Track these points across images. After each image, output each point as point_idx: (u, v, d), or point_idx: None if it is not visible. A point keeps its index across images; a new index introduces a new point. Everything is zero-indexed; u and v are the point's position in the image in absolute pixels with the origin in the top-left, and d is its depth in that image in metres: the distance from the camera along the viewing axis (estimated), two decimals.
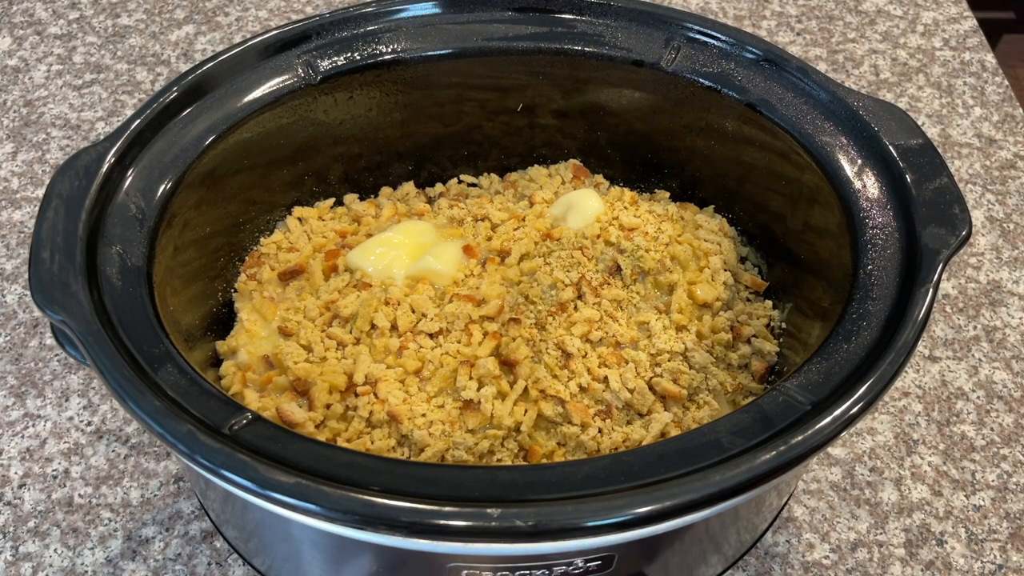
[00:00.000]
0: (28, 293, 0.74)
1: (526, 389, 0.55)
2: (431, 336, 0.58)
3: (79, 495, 0.62)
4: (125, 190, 0.53)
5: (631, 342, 0.58)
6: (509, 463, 0.53)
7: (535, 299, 0.60)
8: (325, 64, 0.62)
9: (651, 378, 0.57)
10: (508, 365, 0.56)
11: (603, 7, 0.64)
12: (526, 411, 0.55)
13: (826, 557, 0.60)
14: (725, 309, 0.62)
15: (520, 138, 0.70)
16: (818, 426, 0.42)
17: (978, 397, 0.69)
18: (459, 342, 0.58)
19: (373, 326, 0.59)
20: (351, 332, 0.59)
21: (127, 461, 0.64)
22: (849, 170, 0.55)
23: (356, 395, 0.55)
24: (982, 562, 0.60)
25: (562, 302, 0.59)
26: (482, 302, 0.59)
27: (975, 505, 0.63)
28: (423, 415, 0.54)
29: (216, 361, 0.59)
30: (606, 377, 0.56)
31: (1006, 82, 0.95)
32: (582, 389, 0.56)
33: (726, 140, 0.63)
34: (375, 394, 0.55)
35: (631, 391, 0.55)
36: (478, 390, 0.55)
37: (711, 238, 0.65)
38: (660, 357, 0.58)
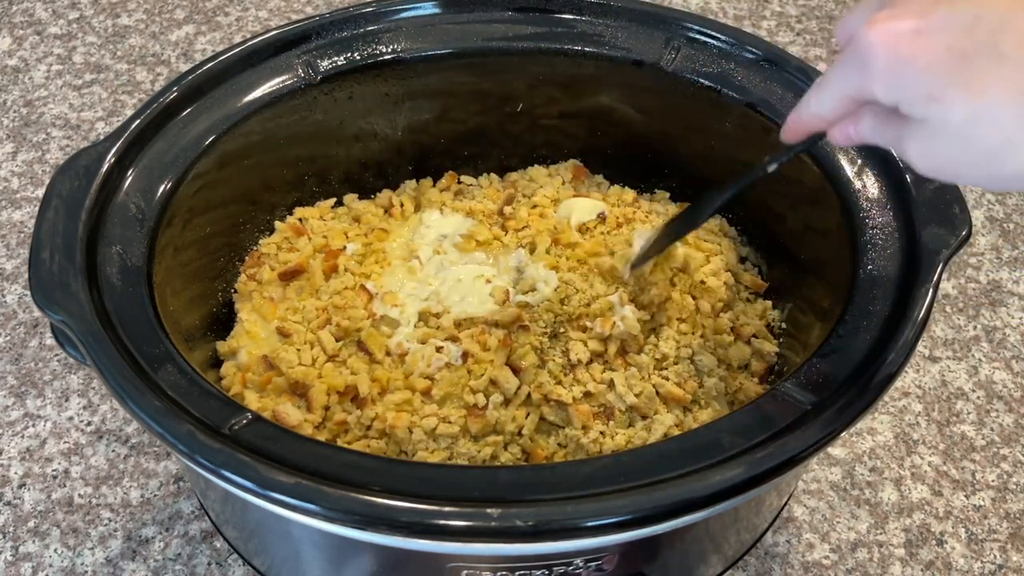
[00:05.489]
0: (28, 293, 0.74)
1: (529, 395, 0.55)
2: (438, 350, 0.58)
3: (79, 495, 0.62)
4: (125, 190, 0.53)
5: (634, 345, 0.58)
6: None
7: (550, 307, 0.59)
8: (325, 64, 0.62)
9: (655, 381, 0.56)
10: (513, 371, 0.56)
11: (603, 7, 0.64)
12: (528, 414, 0.55)
13: (826, 557, 0.60)
14: (725, 309, 0.62)
15: (520, 138, 0.70)
16: (818, 426, 0.42)
17: (978, 397, 0.69)
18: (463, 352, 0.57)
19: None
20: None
21: (127, 461, 0.64)
22: (849, 170, 0.55)
23: (353, 400, 0.55)
24: (982, 562, 0.60)
25: (574, 308, 0.59)
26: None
27: (975, 505, 0.63)
28: (423, 425, 0.54)
29: (216, 362, 0.59)
30: (612, 380, 0.56)
31: None
32: (586, 395, 0.55)
33: (726, 140, 0.63)
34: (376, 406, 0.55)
35: (637, 395, 0.55)
36: (486, 397, 0.54)
37: (711, 238, 0.65)
38: (663, 360, 0.57)
